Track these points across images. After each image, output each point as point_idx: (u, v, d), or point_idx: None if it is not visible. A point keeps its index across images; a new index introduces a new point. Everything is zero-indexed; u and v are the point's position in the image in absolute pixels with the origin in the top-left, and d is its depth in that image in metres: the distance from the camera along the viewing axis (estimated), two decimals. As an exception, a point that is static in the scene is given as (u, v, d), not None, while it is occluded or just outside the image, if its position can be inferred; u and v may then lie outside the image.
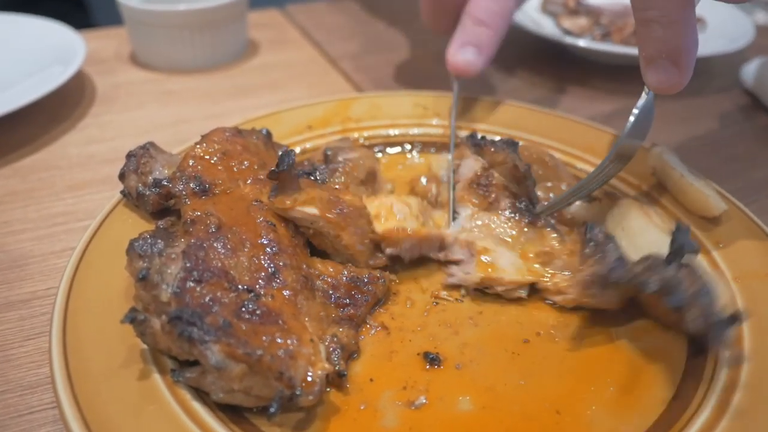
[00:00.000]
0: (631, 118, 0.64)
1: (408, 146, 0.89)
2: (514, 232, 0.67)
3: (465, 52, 0.86)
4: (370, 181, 0.73)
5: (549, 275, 0.64)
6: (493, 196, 0.70)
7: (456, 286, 0.67)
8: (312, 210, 0.62)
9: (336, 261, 0.65)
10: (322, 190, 0.64)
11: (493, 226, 0.68)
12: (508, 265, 0.64)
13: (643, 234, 0.65)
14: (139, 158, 0.67)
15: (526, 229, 0.67)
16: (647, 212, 0.69)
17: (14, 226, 0.77)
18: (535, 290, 0.65)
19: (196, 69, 1.17)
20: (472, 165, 0.73)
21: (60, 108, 1.02)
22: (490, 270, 0.64)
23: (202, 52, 1.15)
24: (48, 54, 1.05)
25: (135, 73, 1.16)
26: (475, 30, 0.86)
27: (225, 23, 1.15)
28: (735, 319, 0.53)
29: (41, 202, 0.81)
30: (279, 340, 0.51)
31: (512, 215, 0.69)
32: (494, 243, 0.66)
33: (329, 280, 0.61)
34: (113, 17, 1.24)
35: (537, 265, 0.65)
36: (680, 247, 0.55)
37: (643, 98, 0.64)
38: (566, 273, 0.64)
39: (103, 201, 0.68)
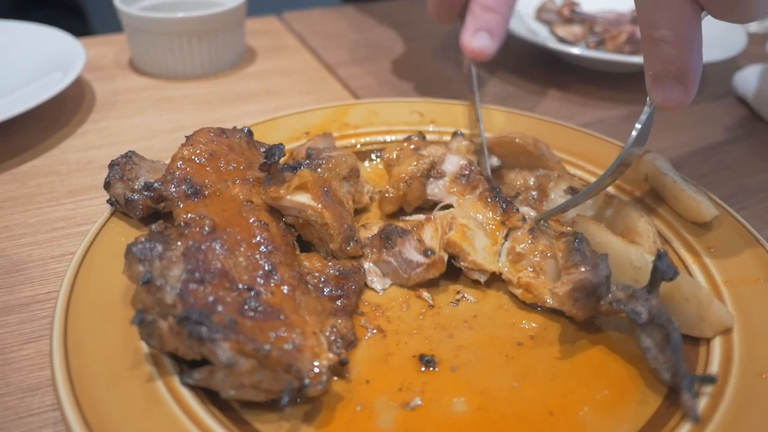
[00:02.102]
0: (634, 133, 0.65)
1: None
2: (492, 226, 0.70)
3: (479, 38, 0.89)
4: (353, 177, 0.75)
5: (516, 273, 0.66)
6: (475, 185, 0.74)
7: (451, 291, 0.68)
8: (303, 197, 0.64)
9: (319, 253, 0.68)
10: (315, 174, 0.68)
11: (474, 214, 0.71)
12: (480, 248, 0.67)
13: (607, 249, 0.66)
14: (122, 166, 0.68)
15: (505, 223, 0.70)
16: (602, 226, 0.70)
17: (14, 231, 0.77)
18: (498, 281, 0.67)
19: (195, 76, 1.18)
20: (456, 160, 0.77)
21: (59, 114, 1.03)
22: (465, 239, 0.66)
23: (201, 59, 1.16)
24: (48, 60, 1.06)
25: (134, 79, 1.17)
26: (486, 16, 0.90)
27: (223, 30, 1.16)
28: (708, 380, 0.55)
29: (41, 207, 0.82)
30: (284, 335, 0.52)
31: (492, 210, 0.71)
32: (475, 225, 0.69)
33: (317, 274, 0.63)
34: (109, 25, 1.24)
35: (507, 262, 0.67)
36: (661, 274, 0.56)
37: (646, 112, 0.65)
38: (530, 270, 0.65)
39: (101, 206, 0.69)
